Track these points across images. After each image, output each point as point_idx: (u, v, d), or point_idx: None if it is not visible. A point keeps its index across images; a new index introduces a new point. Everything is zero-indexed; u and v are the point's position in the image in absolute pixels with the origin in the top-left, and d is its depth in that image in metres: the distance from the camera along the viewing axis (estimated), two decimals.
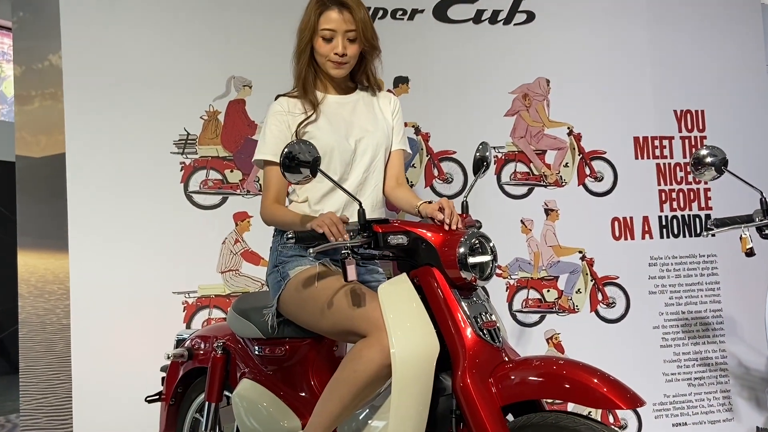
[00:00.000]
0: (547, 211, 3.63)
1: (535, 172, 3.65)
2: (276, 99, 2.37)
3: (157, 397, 2.74)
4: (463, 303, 1.89)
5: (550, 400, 1.89)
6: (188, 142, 3.26)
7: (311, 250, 1.86)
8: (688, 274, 3.74)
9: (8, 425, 5.28)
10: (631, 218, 3.71)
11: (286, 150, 1.87)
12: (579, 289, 3.63)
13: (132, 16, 3.24)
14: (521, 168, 3.63)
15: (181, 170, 3.25)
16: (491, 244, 1.95)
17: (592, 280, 3.64)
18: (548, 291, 3.60)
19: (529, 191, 3.63)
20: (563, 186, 3.67)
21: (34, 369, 3.50)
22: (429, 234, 1.94)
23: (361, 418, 2.04)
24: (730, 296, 3.76)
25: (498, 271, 3.55)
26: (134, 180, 3.19)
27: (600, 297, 3.64)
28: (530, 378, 1.78)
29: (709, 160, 2.58)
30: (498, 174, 3.60)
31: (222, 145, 3.28)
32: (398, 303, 1.90)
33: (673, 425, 3.61)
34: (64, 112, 3.19)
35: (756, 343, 3.70)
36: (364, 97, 2.44)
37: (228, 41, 3.31)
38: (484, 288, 3.47)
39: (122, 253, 3.14)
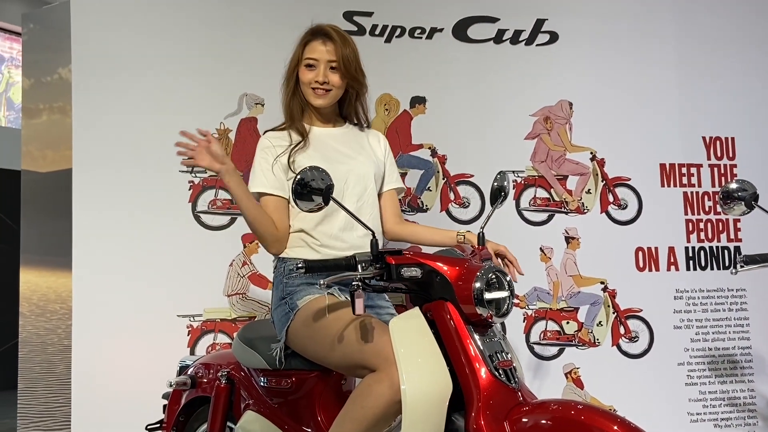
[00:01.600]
0: (568, 239, 3.62)
1: (556, 198, 3.64)
2: (263, 134, 2.47)
3: (158, 425, 2.75)
4: (478, 340, 1.88)
5: None
6: None
7: (323, 281, 1.87)
8: (716, 309, 3.70)
9: None
10: (656, 248, 3.69)
11: (298, 177, 1.87)
12: (600, 322, 3.60)
13: (143, 31, 3.29)
14: (541, 193, 3.63)
15: (189, 189, 3.28)
16: (508, 279, 1.94)
17: (614, 313, 3.61)
18: (568, 323, 3.58)
19: (549, 218, 3.62)
20: (585, 213, 3.65)
21: (33, 390, 3.53)
22: (444, 267, 1.93)
23: None
24: (759, 333, 3.71)
25: (515, 300, 3.54)
26: (141, 198, 3.22)
27: (622, 330, 3.61)
28: (547, 422, 1.77)
29: (739, 194, 2.56)
30: (517, 199, 3.60)
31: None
32: (410, 338, 1.90)
33: None
34: (72, 126, 3.22)
35: None
36: (351, 130, 2.54)
37: (241, 58, 3.35)
38: (502, 324, 3.50)
39: (127, 274, 3.17)
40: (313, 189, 1.87)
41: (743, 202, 2.56)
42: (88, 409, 3.09)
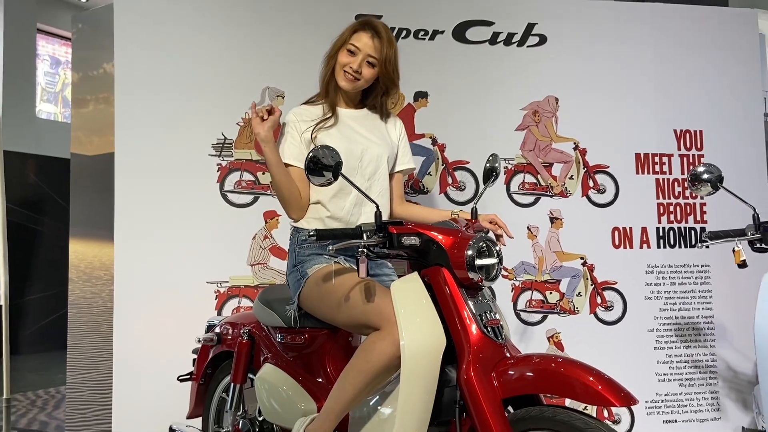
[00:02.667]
0: (552, 220, 3.61)
1: (542, 183, 3.63)
2: (295, 108, 2.43)
3: (188, 376, 2.77)
4: (469, 301, 1.89)
5: (548, 395, 1.88)
6: (225, 145, 3.28)
7: (330, 248, 1.87)
8: (683, 282, 3.71)
9: (57, 396, 5.36)
10: (630, 228, 3.68)
11: (311, 155, 1.88)
12: (579, 293, 3.61)
13: (178, 32, 3.27)
14: (529, 179, 3.62)
15: (217, 171, 3.27)
16: (497, 248, 1.95)
17: (592, 285, 3.62)
18: (551, 293, 3.59)
19: (536, 200, 3.62)
20: (568, 197, 3.65)
21: (80, 347, 3.55)
22: (440, 236, 1.94)
23: (371, 404, 2.05)
24: (721, 304, 3.72)
25: (504, 273, 3.56)
26: (175, 179, 3.22)
27: (599, 300, 3.62)
28: (530, 374, 1.78)
29: (705, 176, 2.56)
30: (507, 184, 3.59)
31: (255, 149, 3.29)
32: (409, 299, 1.91)
33: (663, 422, 3.58)
34: (114, 115, 3.22)
35: (744, 348, 3.66)
36: (371, 116, 2.48)
37: (264, 55, 3.33)
38: (491, 289, 3.49)
39: (162, 245, 3.18)
40: (324, 165, 1.87)
41: (709, 184, 2.56)
42: (128, 363, 3.11)
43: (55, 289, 7.53)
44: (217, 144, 3.27)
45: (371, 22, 2.34)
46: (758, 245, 2.54)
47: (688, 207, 3.76)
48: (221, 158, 3.28)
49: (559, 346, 3.53)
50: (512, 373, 1.79)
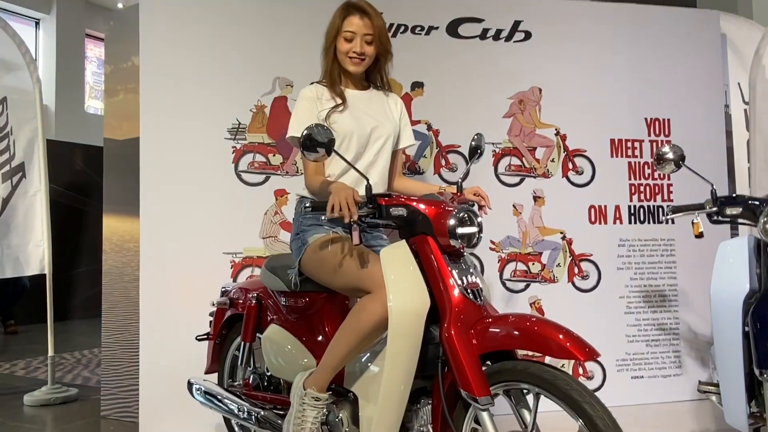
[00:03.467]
0: (535, 198, 3.49)
1: (527, 165, 3.50)
2: (309, 85, 2.27)
3: (206, 336, 2.67)
4: (451, 267, 1.81)
5: (528, 353, 1.78)
6: (239, 130, 3.15)
7: (323, 218, 1.84)
8: (651, 255, 3.60)
9: (99, 355, 5.30)
10: (605, 206, 3.57)
11: (305, 132, 1.77)
12: (559, 264, 3.49)
13: (196, 28, 3.14)
14: (515, 161, 3.49)
15: (232, 153, 3.14)
16: (478, 219, 1.85)
17: (570, 257, 3.50)
18: (533, 264, 3.47)
19: (521, 181, 3.49)
20: (549, 177, 3.52)
21: (113, 311, 3.47)
22: (425, 208, 1.85)
23: (363, 360, 1.98)
24: (684, 274, 3.61)
25: (492, 246, 3.44)
26: (194, 160, 3.09)
27: (576, 270, 3.51)
28: (505, 331, 1.70)
29: (669, 156, 2.47)
30: (495, 166, 3.46)
31: (267, 133, 3.18)
32: (397, 265, 1.83)
33: (631, 378, 3.50)
34: (140, 103, 3.10)
35: (704, 313, 3.56)
36: (377, 94, 2.35)
37: (274, 48, 3.19)
38: (479, 261, 3.39)
39: (183, 219, 3.06)
40: (318, 142, 1.76)
41: (672, 162, 2.47)
42: (153, 325, 3.01)
43: (100, 263, 7.47)
44: (232, 128, 3.14)
45: (355, 3, 2.20)
46: (715, 218, 2.44)
47: (656, 187, 3.65)
48: (236, 141, 3.15)
49: (540, 311, 3.43)
50: (489, 330, 1.71)
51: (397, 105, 2.41)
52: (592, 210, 3.55)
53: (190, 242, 3.05)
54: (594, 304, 3.49)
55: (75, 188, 7.98)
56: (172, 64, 3.10)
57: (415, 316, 1.76)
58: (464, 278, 1.81)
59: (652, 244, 3.60)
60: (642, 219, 3.60)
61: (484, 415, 1.66)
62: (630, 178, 3.61)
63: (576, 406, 1.55)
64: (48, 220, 3.92)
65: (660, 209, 3.63)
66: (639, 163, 3.62)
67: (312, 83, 2.28)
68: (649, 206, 3.62)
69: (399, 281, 1.78)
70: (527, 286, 3.46)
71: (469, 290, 1.80)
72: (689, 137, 3.57)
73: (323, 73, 2.29)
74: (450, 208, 1.83)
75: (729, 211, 2.34)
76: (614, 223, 3.57)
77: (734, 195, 2.38)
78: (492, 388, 1.70)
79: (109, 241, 3.50)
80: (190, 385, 2.55)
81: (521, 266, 3.46)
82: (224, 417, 2.69)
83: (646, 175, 3.63)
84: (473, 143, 2.21)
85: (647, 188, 3.63)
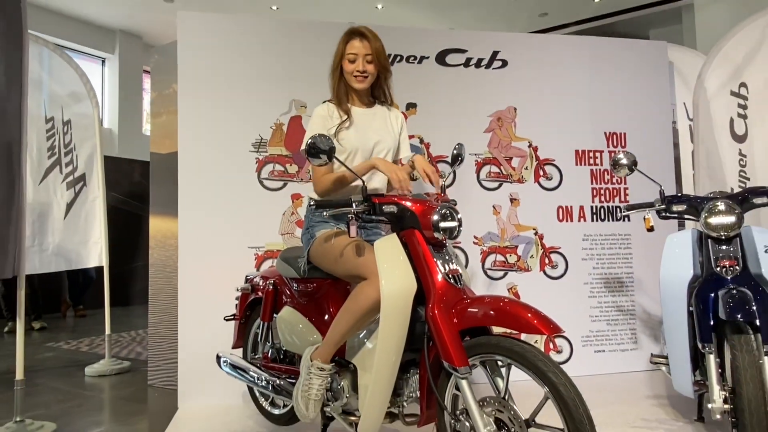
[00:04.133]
0: (512, 200, 3.41)
1: (504, 173, 3.42)
2: (322, 103, 2.18)
3: (232, 317, 2.61)
4: (435, 256, 1.76)
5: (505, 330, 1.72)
6: (261, 144, 3.09)
7: (325, 213, 1.77)
8: (611, 247, 3.50)
9: (147, 336, 5.26)
10: (571, 206, 3.48)
11: (309, 141, 1.72)
12: (532, 255, 3.41)
13: (225, 59, 3.08)
14: (494, 169, 3.41)
15: (255, 163, 3.08)
16: (458, 215, 1.79)
17: (541, 249, 3.41)
18: (510, 255, 3.38)
19: (499, 186, 3.41)
20: (524, 183, 3.44)
21: (157, 296, 3.42)
22: (412, 205, 1.79)
23: (361, 336, 1.93)
24: (639, 264, 3.51)
25: (475, 240, 3.37)
26: (223, 170, 3.03)
27: (547, 261, 3.42)
28: (482, 310, 1.63)
29: (624, 161, 2.38)
30: (477, 173, 3.38)
31: (285, 146, 3.11)
32: (389, 254, 1.77)
33: (595, 352, 3.40)
34: (178, 123, 3.04)
35: (656, 297, 3.45)
36: (381, 110, 2.24)
37: (290, 75, 3.13)
38: (465, 253, 3.32)
39: (214, 219, 3.00)
40: (320, 150, 1.71)
41: (626, 167, 2.39)
42: (189, 308, 2.94)
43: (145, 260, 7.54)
44: (255, 143, 3.08)
45: (355, 29, 2.12)
46: (664, 214, 2.35)
47: (615, 191, 3.55)
48: (258, 153, 3.09)
49: (517, 295, 3.34)
50: (468, 310, 1.65)
51: (398, 120, 2.30)
52: (560, 210, 3.46)
53: (220, 238, 2.99)
54: (562, 289, 3.40)
55: (134, 197, 7.97)
56: (204, 90, 3.05)
57: (404, 297, 1.70)
58: (446, 265, 1.76)
59: (611, 239, 3.51)
60: (603, 217, 3.51)
61: (463, 382, 1.61)
62: (592, 183, 3.52)
63: (542, 374, 1.49)
64: (105, 221, 3.88)
65: (618, 209, 3.54)
66: (600, 170, 3.53)
67: (324, 102, 2.19)
68: (608, 206, 3.52)
69: (390, 268, 1.73)
70: (505, 274, 3.37)
71: (450, 276, 1.74)
72: (643, 148, 3.48)
73: (332, 93, 2.20)
74: (434, 206, 1.78)
75: (675, 208, 2.25)
76: (579, 221, 3.48)
77: (680, 194, 2.30)
78: (470, 359, 1.65)
79: (154, 238, 3.45)
80: (218, 358, 2.50)
81: (500, 257, 3.37)
82: (248, 385, 2.64)
83: (606, 180, 3.53)
84: (455, 152, 2.16)
85: (607, 191, 3.54)
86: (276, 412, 2.46)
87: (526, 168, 3.45)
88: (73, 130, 3.89)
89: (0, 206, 2.38)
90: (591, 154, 3.53)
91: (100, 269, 4.03)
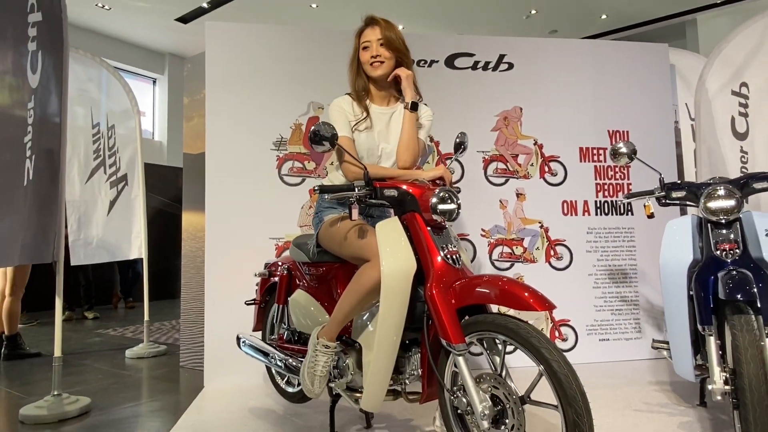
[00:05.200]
0: (518, 195, 3.27)
1: (511, 169, 3.28)
2: (342, 96, 1.97)
3: (253, 301, 2.54)
4: (435, 238, 1.64)
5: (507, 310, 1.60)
6: (281, 142, 3.03)
7: (327, 197, 1.66)
8: (614, 240, 3.33)
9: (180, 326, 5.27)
10: (575, 201, 3.32)
11: (313, 129, 1.63)
12: (538, 247, 3.25)
13: (247, 67, 3.03)
14: (501, 166, 3.28)
15: (276, 160, 3.02)
16: (456, 198, 1.67)
17: (547, 242, 3.26)
18: (517, 247, 3.24)
19: (506, 181, 3.27)
20: (529, 179, 3.29)
21: (188, 285, 3.39)
22: (412, 189, 1.69)
23: (365, 317, 1.83)
24: (642, 256, 3.33)
25: (482, 233, 3.24)
26: (247, 167, 2.98)
27: (552, 253, 3.26)
28: (479, 288, 1.52)
29: (623, 150, 2.21)
30: (485, 169, 3.25)
31: (303, 145, 3.05)
32: (389, 235, 1.67)
33: (599, 340, 3.22)
34: (205, 125, 3.00)
35: (659, 287, 3.20)
36: (400, 110, 1.98)
37: (308, 78, 3.06)
38: (473, 245, 3.19)
39: (238, 213, 2.94)
40: (322, 137, 1.62)
41: (626, 156, 2.22)
42: (215, 295, 2.90)
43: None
44: (276, 141, 3.02)
45: (367, 18, 1.96)
46: (664, 201, 2.18)
47: (618, 186, 3.38)
48: (279, 151, 3.02)
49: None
50: (465, 288, 1.54)
51: (422, 114, 2.02)
52: (565, 204, 3.31)
53: (244, 230, 2.93)
54: (567, 280, 3.24)
55: (178, 200, 8.05)
56: (229, 94, 3.00)
57: (404, 276, 1.60)
58: (445, 247, 1.65)
59: (615, 232, 3.34)
60: (606, 211, 3.34)
61: (460, 359, 1.51)
62: (596, 179, 3.35)
63: (535, 351, 1.38)
64: (144, 218, 3.88)
65: (621, 204, 3.37)
66: (603, 166, 3.37)
67: (345, 94, 2.00)
68: (612, 201, 3.36)
69: (390, 249, 1.63)
70: (512, 265, 3.23)
71: (449, 256, 1.63)
72: (645, 145, 3.30)
73: (351, 87, 2.01)
74: (432, 189, 1.67)
75: (675, 194, 2.10)
76: (583, 214, 3.32)
77: (679, 181, 2.14)
78: (467, 337, 1.55)
79: (186, 231, 3.42)
80: (238, 339, 2.43)
81: (507, 249, 3.24)
82: (266, 368, 2.56)
83: (609, 176, 3.37)
84: (457, 140, 2.03)
85: (610, 186, 3.37)
86: (290, 390, 2.37)
87: (532, 164, 3.31)
88: (116, 135, 3.91)
89: (44, 201, 2.37)
90: (594, 152, 3.37)
91: (148, 265, 4.02)
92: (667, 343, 2.26)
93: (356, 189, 1.65)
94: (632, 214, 3.34)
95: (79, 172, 3.79)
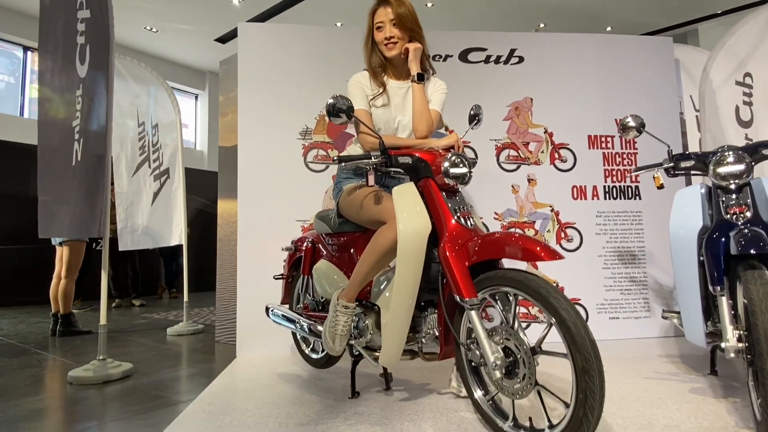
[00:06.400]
0: (529, 180, 3.16)
1: (522, 156, 3.18)
2: (361, 71, 1.91)
3: (281, 276, 2.51)
4: (448, 201, 1.59)
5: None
6: (307, 132, 3.00)
7: (343, 164, 1.65)
8: (623, 223, 3.19)
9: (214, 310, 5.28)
10: (585, 186, 3.19)
11: (329, 101, 1.57)
12: (549, 230, 3.14)
13: (275, 65, 3.01)
14: (513, 153, 3.18)
15: (302, 149, 2.99)
16: (467, 161, 1.60)
17: (557, 225, 3.15)
18: (528, 230, 3.13)
19: (518, 167, 3.17)
20: (540, 165, 3.18)
21: (223, 266, 3.37)
22: (425, 156, 1.64)
23: (383, 279, 1.79)
24: (650, 238, 3.18)
25: (495, 216, 3.14)
26: (275, 156, 2.95)
27: (563, 235, 3.14)
28: (489, 244, 1.44)
29: (631, 123, 2.08)
30: (497, 156, 3.16)
31: (327, 134, 3.01)
32: (405, 198, 1.61)
33: (609, 318, 3.09)
34: (238, 120, 3.00)
35: (666, 268, 3.14)
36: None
37: (331, 73, 3.02)
38: (487, 228, 3.10)
39: (267, 199, 2.92)
40: (339, 109, 1.57)
41: (635, 129, 2.07)
42: (246, 273, 2.86)
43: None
44: (302, 131, 3.00)
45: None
46: (673, 172, 2.05)
47: (625, 172, 3.25)
48: (304, 140, 2.99)
49: (534, 266, 3.07)
50: (476, 245, 1.47)
51: (435, 86, 1.96)
52: (575, 189, 3.19)
53: (273, 213, 2.90)
54: (578, 261, 3.12)
55: (215, 201, 8.13)
56: (259, 90, 2.99)
57: (419, 236, 1.54)
58: (458, 208, 1.59)
59: (623, 216, 3.20)
60: (615, 196, 3.21)
61: (472, 313, 1.44)
62: (604, 165, 3.23)
63: (544, 300, 1.30)
64: (184, 207, 3.89)
65: (629, 188, 3.23)
66: (611, 153, 3.24)
67: (363, 70, 1.92)
68: (620, 186, 3.22)
69: (407, 211, 1.57)
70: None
71: (461, 218, 1.57)
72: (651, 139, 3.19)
73: (366, 64, 1.94)
74: (444, 155, 1.62)
75: (683, 164, 1.98)
76: (592, 199, 3.19)
77: (687, 152, 2.02)
78: (480, 293, 1.48)
79: (221, 217, 3.42)
80: (267, 309, 2.40)
81: (519, 231, 3.14)
82: (293, 335, 2.52)
83: (617, 162, 3.24)
84: (472, 112, 1.94)
85: (618, 173, 3.24)
86: (314, 356, 2.33)
87: (542, 152, 3.20)
88: (159, 133, 3.95)
89: (91, 181, 2.38)
90: (603, 139, 3.25)
91: (189, 259, 4.03)
92: (677, 313, 2.13)
93: (372, 156, 1.60)
94: (640, 198, 3.20)
95: (126, 167, 3.83)
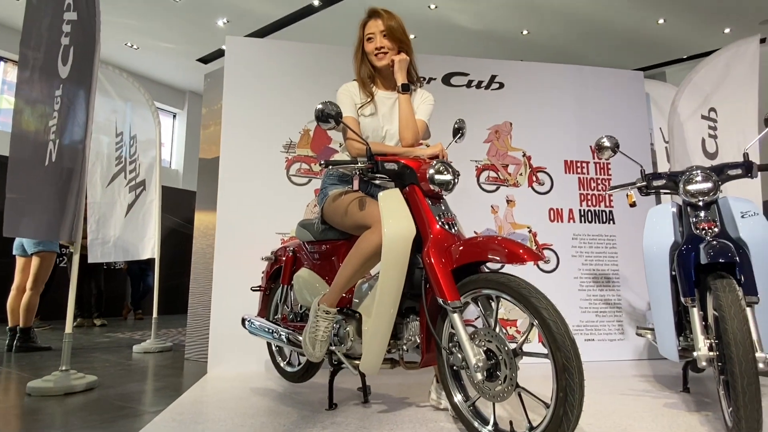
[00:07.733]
0: (508, 201, 3.25)
1: (501, 177, 3.28)
2: (351, 81, 1.94)
3: (258, 288, 2.48)
4: (432, 207, 1.63)
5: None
6: (290, 146, 3.03)
7: (329, 170, 1.66)
8: (598, 246, 3.30)
9: (183, 331, 5.14)
10: (561, 209, 3.31)
11: (318, 107, 1.61)
12: None
13: (260, 80, 3.07)
14: (492, 174, 3.28)
15: (285, 162, 3.02)
16: (452, 169, 1.65)
17: (535, 245, 3.23)
18: None
19: (497, 189, 3.27)
20: (519, 187, 3.29)
21: (197, 280, 3.31)
22: (410, 163, 1.68)
23: (365, 288, 1.81)
24: (624, 262, 3.29)
25: (475, 235, 3.21)
26: (257, 168, 2.97)
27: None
28: (471, 248, 1.48)
29: (606, 144, 2.18)
30: (478, 177, 3.25)
31: (310, 148, 3.05)
32: (391, 203, 1.64)
33: (585, 340, 3.14)
34: (221, 132, 3.01)
35: (640, 292, 3.23)
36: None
37: (315, 88, 3.08)
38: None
39: (248, 210, 2.91)
40: (328, 115, 1.60)
41: (609, 149, 2.18)
42: (222, 285, 2.83)
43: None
44: (285, 145, 3.03)
45: (370, 10, 1.94)
46: (645, 191, 2.14)
47: (600, 196, 3.38)
48: (288, 154, 3.02)
49: None
50: (459, 249, 1.50)
51: (422, 97, 1.99)
52: (551, 211, 3.29)
53: (252, 224, 2.90)
54: (554, 282, 3.19)
55: (190, 221, 7.98)
56: (243, 104, 3.03)
57: (403, 240, 1.56)
58: (441, 214, 1.63)
59: (598, 239, 3.31)
60: (590, 219, 3.33)
61: (455, 316, 1.46)
62: (580, 189, 3.36)
63: (525, 300, 1.34)
64: (158, 221, 3.84)
65: (603, 213, 3.36)
66: (586, 178, 3.38)
67: (352, 80, 1.96)
68: (594, 210, 3.35)
69: (392, 215, 1.60)
70: (502, 266, 3.17)
71: (445, 223, 1.60)
72: (623, 163, 3.31)
73: (356, 74, 1.96)
74: (429, 162, 1.66)
75: (655, 183, 2.08)
76: (568, 221, 3.30)
77: (659, 172, 2.13)
78: (463, 296, 1.51)
79: (198, 229, 3.38)
80: (243, 320, 2.36)
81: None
82: (268, 348, 2.48)
83: (592, 187, 3.37)
84: (456, 125, 2.01)
85: (593, 197, 3.37)
86: (290, 369, 2.29)
87: (521, 174, 3.31)
88: (137, 144, 3.92)
89: (64, 183, 2.33)
90: (578, 164, 3.39)
91: (158, 280, 3.92)
92: (651, 329, 2.20)
93: (359, 162, 1.64)
94: (614, 222, 3.33)
95: (101, 177, 3.78)
